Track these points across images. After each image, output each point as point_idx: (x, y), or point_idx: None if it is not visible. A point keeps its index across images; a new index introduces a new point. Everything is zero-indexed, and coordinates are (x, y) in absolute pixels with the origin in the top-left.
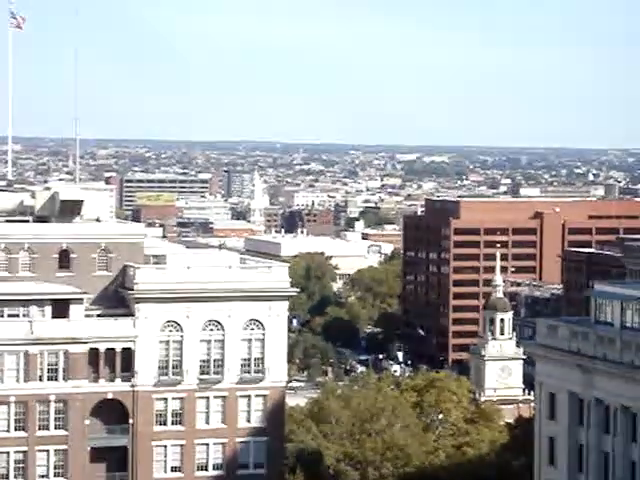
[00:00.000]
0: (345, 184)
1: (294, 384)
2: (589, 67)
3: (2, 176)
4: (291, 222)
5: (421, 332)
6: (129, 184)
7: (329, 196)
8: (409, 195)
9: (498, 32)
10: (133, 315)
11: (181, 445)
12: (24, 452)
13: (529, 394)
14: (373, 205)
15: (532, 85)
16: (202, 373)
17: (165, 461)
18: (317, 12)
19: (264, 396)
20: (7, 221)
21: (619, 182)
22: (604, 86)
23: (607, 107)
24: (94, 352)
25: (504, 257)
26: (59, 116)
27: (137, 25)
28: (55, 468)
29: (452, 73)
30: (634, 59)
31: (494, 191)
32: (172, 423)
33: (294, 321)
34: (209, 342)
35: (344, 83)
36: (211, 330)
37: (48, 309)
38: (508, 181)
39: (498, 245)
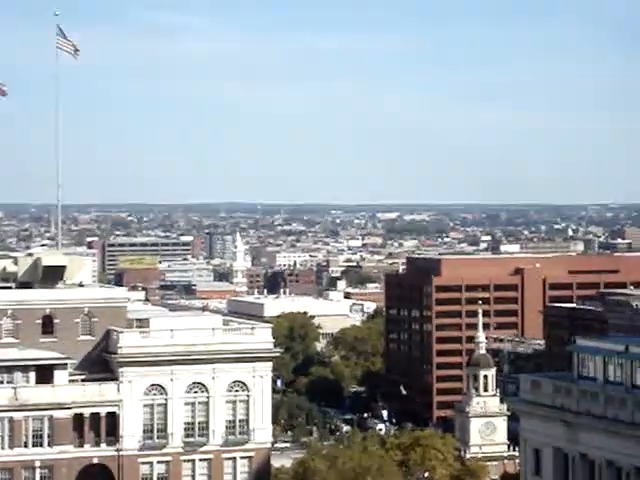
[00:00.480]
0: (326, 244)
1: (279, 445)
2: (567, 125)
3: None
4: (273, 283)
5: (403, 391)
6: (111, 248)
7: (311, 256)
8: (390, 253)
9: (489, 92)
10: (117, 379)
11: None
12: None
13: (514, 450)
14: (355, 264)
15: (510, 142)
16: (187, 436)
17: None
18: (289, 77)
19: (249, 458)
20: None
21: (598, 237)
22: (582, 143)
23: (585, 163)
24: (79, 417)
25: (486, 313)
26: (41, 182)
27: (117, 88)
28: None
29: (431, 135)
30: (611, 117)
31: (474, 248)
32: None
33: (278, 382)
34: (193, 405)
35: (323, 144)
36: (195, 392)
37: (32, 375)
38: (488, 238)
39: (480, 302)
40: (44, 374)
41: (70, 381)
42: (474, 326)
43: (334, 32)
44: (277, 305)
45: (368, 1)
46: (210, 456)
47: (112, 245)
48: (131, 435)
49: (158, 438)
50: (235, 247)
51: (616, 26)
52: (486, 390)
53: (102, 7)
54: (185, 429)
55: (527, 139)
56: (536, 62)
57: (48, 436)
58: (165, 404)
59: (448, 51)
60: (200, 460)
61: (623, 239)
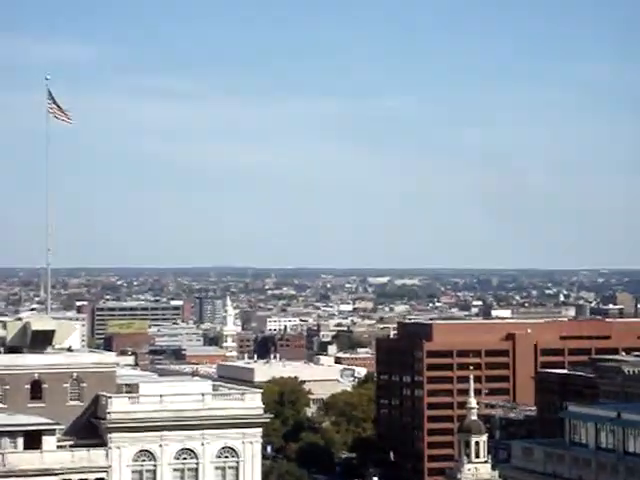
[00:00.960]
0: (317, 308)
1: None
2: (556, 189)
3: None
4: (264, 347)
5: (392, 457)
6: (101, 312)
7: (301, 320)
8: (381, 318)
9: (463, 155)
10: (106, 445)
11: None
12: None
13: None
14: (345, 329)
15: (500, 207)
16: None
17: None
18: (282, 140)
19: None
20: None
21: (590, 302)
22: (571, 207)
23: (576, 228)
24: None
25: (477, 379)
26: (30, 246)
27: (106, 152)
28: None
29: (421, 198)
30: (600, 179)
31: (466, 313)
32: None
33: (268, 448)
34: (182, 471)
35: (313, 208)
36: (184, 459)
37: (20, 440)
38: (479, 303)
39: (471, 367)
40: (32, 440)
41: (58, 447)
42: (465, 392)
43: (331, 95)
44: (267, 370)
45: (366, 64)
46: None
47: (101, 309)
48: None
49: None
50: (225, 311)
51: (615, 93)
52: (477, 456)
53: (92, 71)
54: None
55: (516, 204)
56: (533, 126)
57: None
58: (154, 470)
59: (443, 113)
60: None
61: (615, 305)
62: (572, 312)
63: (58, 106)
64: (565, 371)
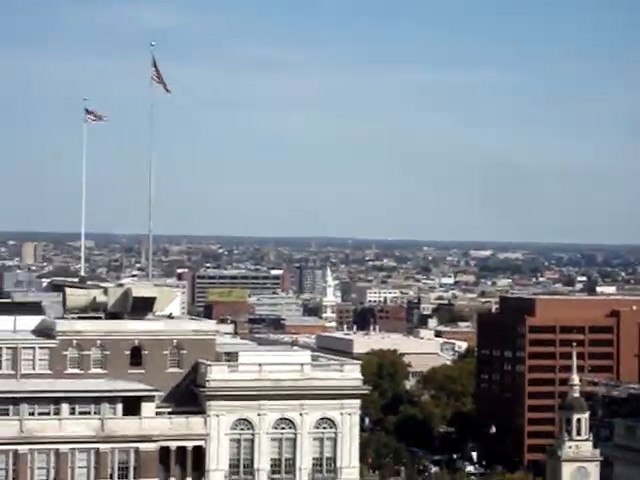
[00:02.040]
0: (418, 280)
1: None
2: None
3: (75, 272)
4: (363, 319)
5: (493, 429)
6: (201, 280)
7: (402, 292)
8: (483, 292)
9: (574, 127)
10: (204, 413)
11: None
12: None
13: None
14: (447, 302)
15: (610, 183)
16: (273, 472)
17: None
18: (383, 106)
19: None
20: (79, 317)
21: None
22: None
23: None
24: (165, 450)
25: (580, 356)
26: (132, 212)
27: (210, 121)
28: None
29: (529, 170)
30: None
31: (570, 288)
32: None
33: (366, 420)
34: (280, 441)
35: (414, 178)
36: (282, 429)
37: (119, 407)
38: (584, 278)
39: (574, 344)
40: (131, 406)
41: (157, 413)
42: (568, 368)
43: (429, 65)
44: (366, 342)
45: (461, 37)
46: None
47: (202, 277)
48: (218, 470)
49: (244, 474)
50: (325, 282)
51: None
52: (579, 434)
53: (197, 40)
54: (271, 465)
55: (626, 178)
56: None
57: (134, 469)
58: (252, 439)
59: (541, 86)
60: None
61: None
62: None
63: (159, 74)
64: None
